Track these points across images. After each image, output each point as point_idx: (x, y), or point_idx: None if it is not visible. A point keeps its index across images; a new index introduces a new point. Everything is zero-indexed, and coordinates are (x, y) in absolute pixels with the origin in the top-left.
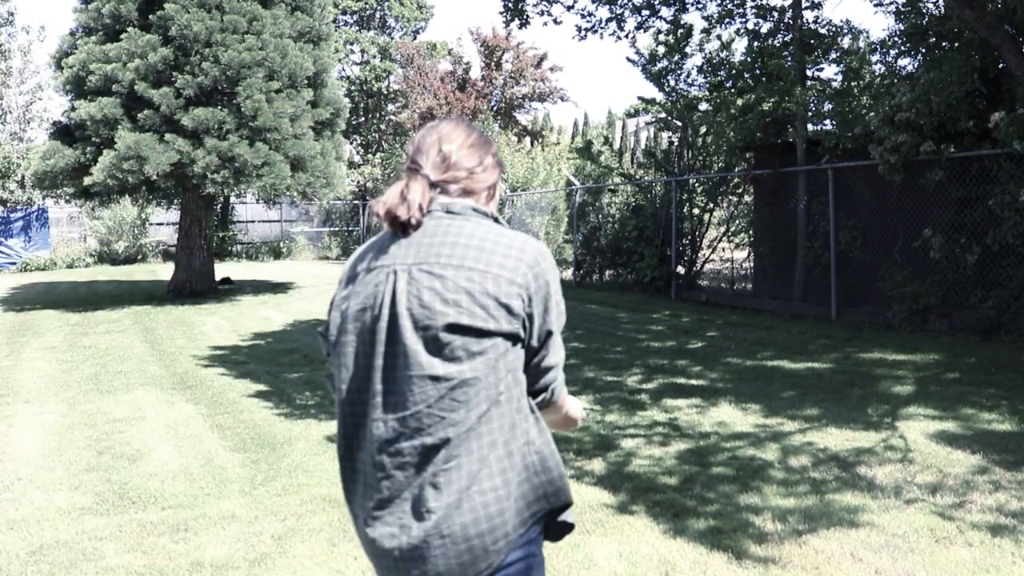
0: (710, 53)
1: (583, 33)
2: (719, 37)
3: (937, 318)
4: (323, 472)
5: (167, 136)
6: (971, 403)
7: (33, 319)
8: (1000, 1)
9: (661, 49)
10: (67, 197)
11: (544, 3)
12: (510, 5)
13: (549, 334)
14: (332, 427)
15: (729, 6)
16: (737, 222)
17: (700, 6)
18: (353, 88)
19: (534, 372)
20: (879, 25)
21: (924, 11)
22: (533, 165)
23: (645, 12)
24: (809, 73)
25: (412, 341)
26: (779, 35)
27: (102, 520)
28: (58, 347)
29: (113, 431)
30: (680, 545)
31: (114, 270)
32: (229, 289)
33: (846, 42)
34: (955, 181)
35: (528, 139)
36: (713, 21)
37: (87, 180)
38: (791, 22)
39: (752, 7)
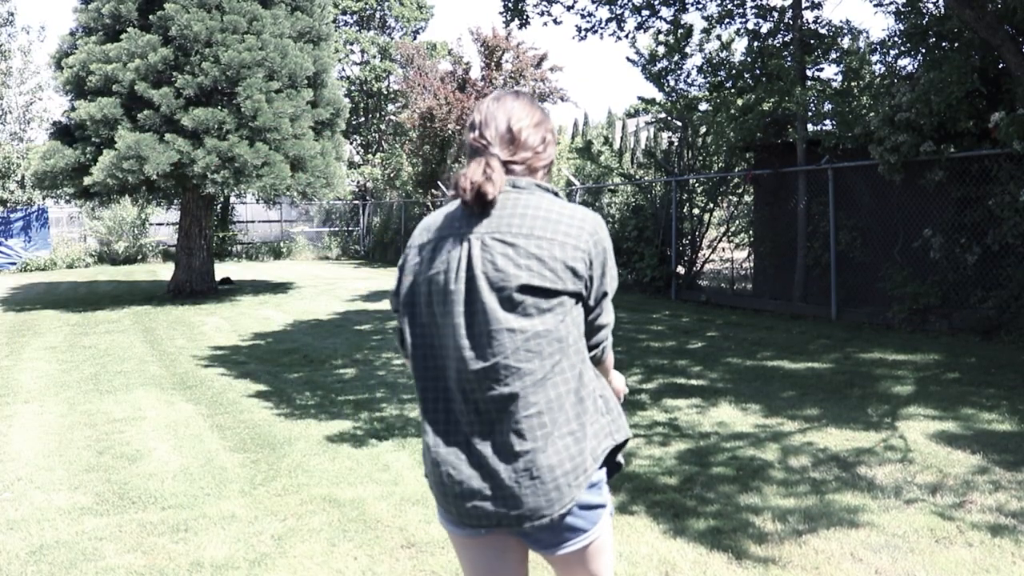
0: (710, 53)
1: (583, 33)
2: (719, 37)
3: (937, 318)
4: (323, 472)
5: (167, 136)
6: (971, 403)
7: (33, 319)
8: (1000, 1)
9: (661, 49)
10: (67, 197)
11: (544, 3)
12: (510, 5)
13: (604, 295)
14: (332, 427)
15: (729, 6)
16: (737, 222)
17: (700, 6)
18: (353, 88)
19: (589, 329)
20: (879, 25)
21: (924, 11)
22: None
23: (645, 12)
24: (809, 73)
25: (489, 300)
26: (779, 35)
27: (102, 520)
28: (58, 347)
29: (113, 431)
30: (680, 545)
31: (114, 270)
32: (229, 289)
33: (846, 42)
34: (955, 181)
35: None
36: (713, 21)
37: (87, 180)
38: (791, 22)
39: (752, 7)
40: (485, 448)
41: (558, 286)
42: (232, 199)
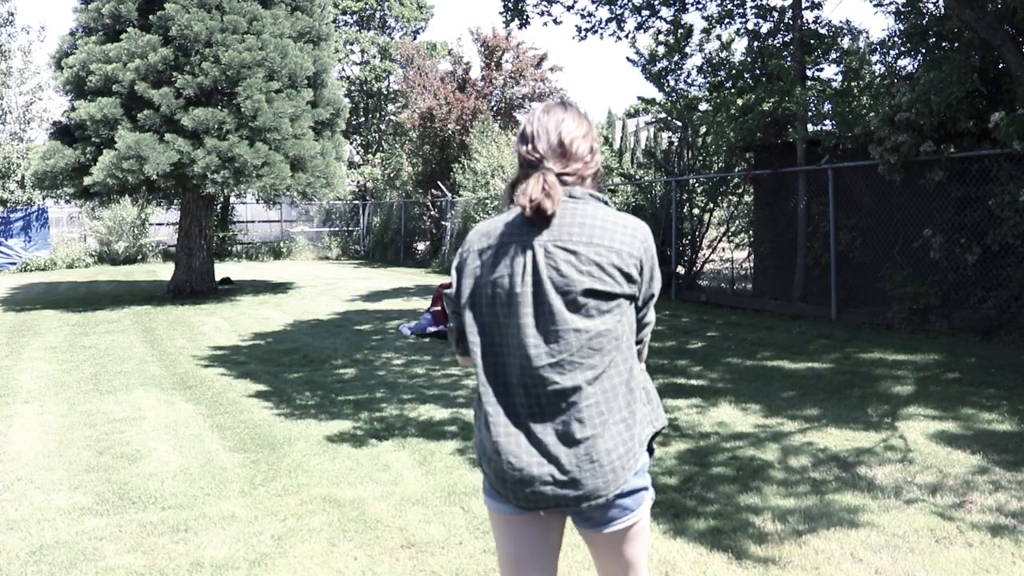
0: (710, 53)
1: (583, 33)
2: (719, 37)
3: (937, 318)
4: (323, 472)
5: (167, 136)
6: (971, 403)
7: (33, 319)
8: (1000, 1)
9: (661, 49)
10: (67, 197)
11: (544, 3)
12: (510, 5)
13: (652, 296)
14: (332, 427)
15: (729, 6)
16: (737, 222)
17: (700, 6)
18: (353, 88)
19: (636, 326)
20: (879, 25)
21: (924, 11)
22: None
23: (645, 12)
24: (809, 73)
25: (556, 303)
26: (779, 35)
27: (102, 520)
28: (58, 347)
29: (113, 431)
30: (680, 545)
31: (114, 270)
32: (229, 289)
33: (846, 42)
34: (955, 181)
35: None
36: (713, 21)
37: (87, 180)
38: (791, 22)
39: (752, 7)
40: (547, 437)
41: (616, 289)
42: (232, 199)
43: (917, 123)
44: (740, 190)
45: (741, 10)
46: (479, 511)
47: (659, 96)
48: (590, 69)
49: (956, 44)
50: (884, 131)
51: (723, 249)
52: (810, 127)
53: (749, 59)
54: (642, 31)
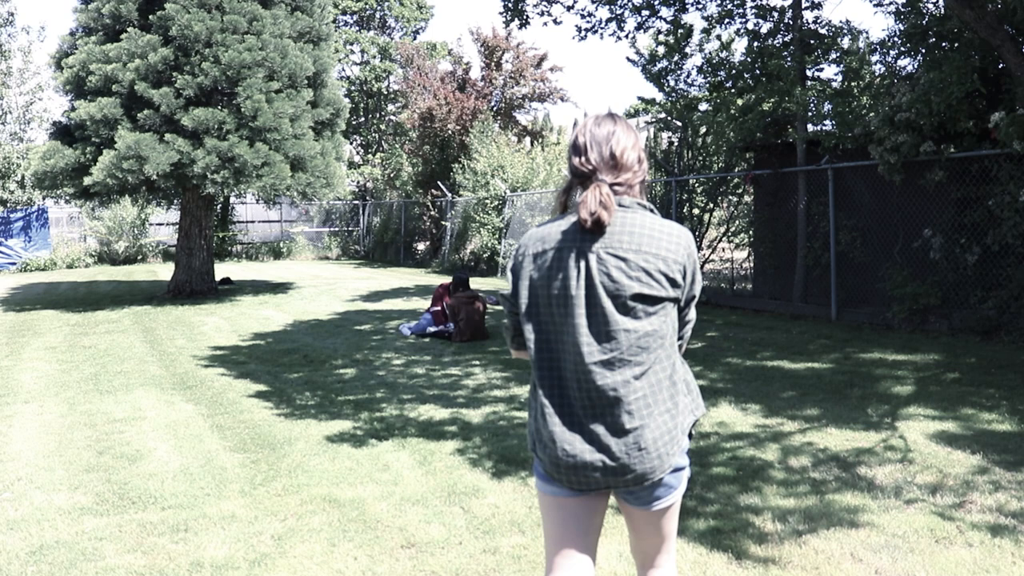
0: (710, 53)
1: (583, 33)
2: (719, 37)
3: (937, 318)
4: (323, 472)
5: (167, 136)
6: (971, 403)
7: (33, 319)
8: (1000, 1)
9: (661, 49)
10: (67, 197)
11: (544, 3)
12: (510, 5)
13: (693, 297)
14: (332, 427)
15: (729, 6)
16: (737, 222)
17: (700, 6)
18: (353, 88)
19: (679, 323)
20: (879, 25)
21: (924, 11)
22: (533, 165)
23: (645, 12)
24: (809, 73)
25: (607, 305)
26: (779, 35)
27: (102, 520)
28: (58, 347)
29: (113, 431)
30: (680, 545)
31: (114, 270)
32: (229, 289)
33: (846, 42)
34: (955, 181)
35: (528, 139)
36: (713, 21)
37: (87, 180)
38: (791, 22)
39: (752, 7)
40: (598, 427)
41: (662, 293)
42: (232, 199)
43: (917, 123)
44: (740, 190)
45: (741, 10)
46: (479, 511)
47: (659, 96)
48: (590, 69)
49: (956, 44)
50: (884, 131)
51: (723, 249)
52: (810, 127)
53: (749, 59)
54: (642, 31)
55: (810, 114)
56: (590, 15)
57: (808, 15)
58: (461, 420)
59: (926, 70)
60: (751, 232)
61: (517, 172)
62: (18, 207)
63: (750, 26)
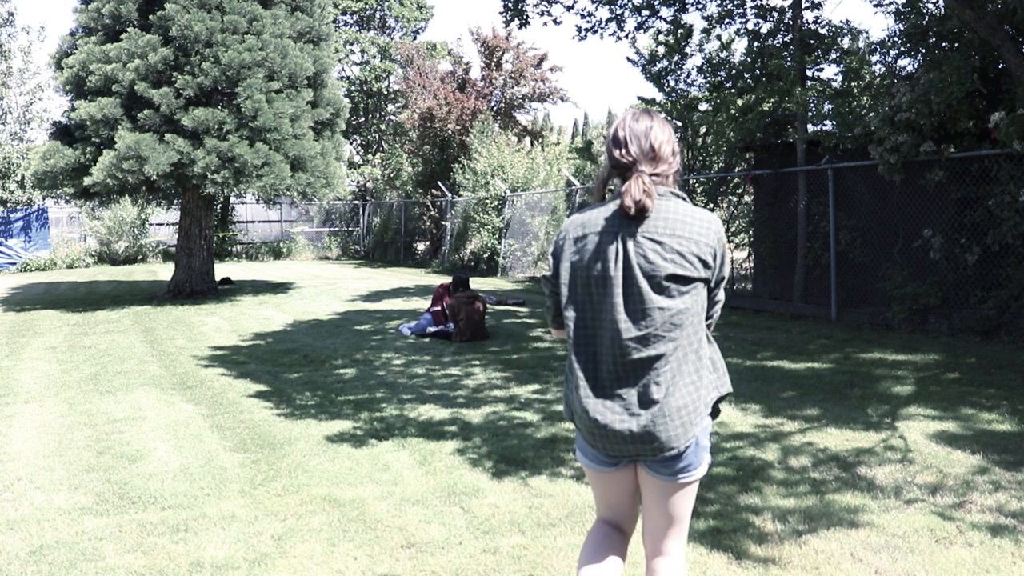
0: (710, 53)
1: (583, 33)
2: (719, 37)
3: (937, 318)
4: (323, 472)
5: (167, 136)
6: (971, 403)
7: (33, 319)
8: (1000, 1)
9: (661, 49)
10: (67, 197)
11: (544, 3)
12: (510, 5)
13: (722, 278)
14: (332, 427)
15: (729, 6)
16: (737, 222)
17: (700, 6)
18: (353, 88)
19: (708, 303)
20: (879, 25)
21: (924, 11)
22: (533, 165)
23: (645, 12)
24: (809, 73)
25: (643, 285)
26: (779, 35)
27: (102, 520)
28: (58, 347)
29: (113, 431)
30: None
31: (114, 270)
32: (229, 289)
33: (846, 42)
34: (955, 181)
35: (528, 139)
36: (713, 21)
37: (87, 180)
38: (791, 22)
39: (752, 7)
40: (630, 397)
41: (694, 274)
42: (232, 199)
43: (917, 123)
44: (740, 190)
45: (741, 10)
46: (479, 511)
47: (659, 96)
48: (590, 69)
49: (956, 44)
50: (884, 131)
51: None
52: (810, 127)
53: (749, 59)
54: (642, 31)
55: (810, 114)
56: (590, 15)
57: (808, 15)
58: (461, 420)
59: (926, 70)
60: (751, 232)
61: (517, 172)
62: (18, 207)
63: (750, 26)
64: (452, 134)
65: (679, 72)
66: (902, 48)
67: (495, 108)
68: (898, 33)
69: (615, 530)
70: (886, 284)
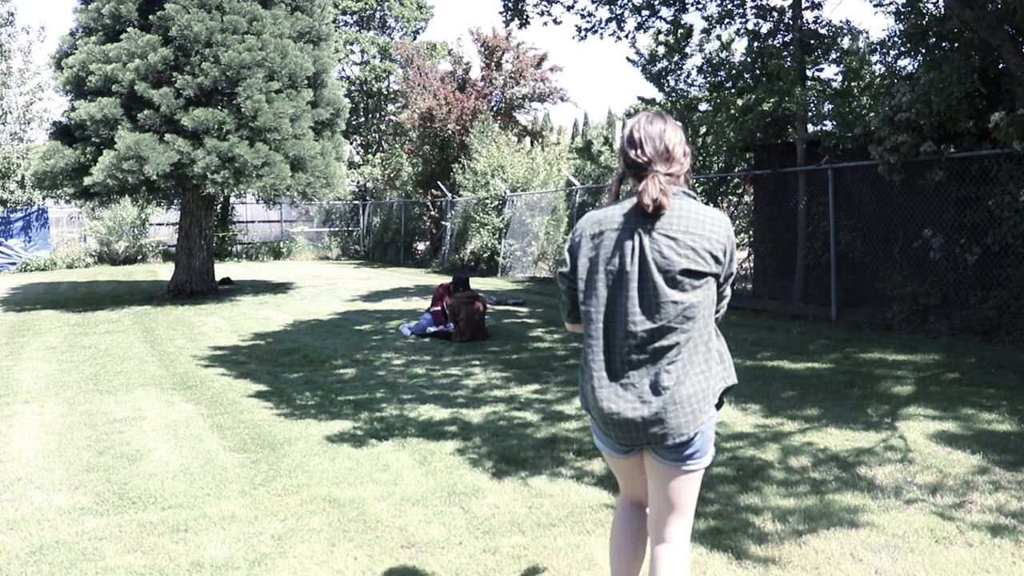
0: (710, 53)
1: (583, 33)
2: (719, 37)
3: (937, 318)
4: (323, 472)
5: (167, 136)
6: (971, 403)
7: (33, 319)
8: (1000, 1)
9: (661, 49)
10: (67, 197)
11: (544, 3)
12: (510, 5)
13: (731, 274)
14: (332, 427)
15: (729, 6)
16: (737, 222)
17: (700, 6)
18: (353, 88)
19: (718, 297)
20: (879, 25)
21: (924, 11)
22: (533, 165)
23: (645, 12)
24: (809, 73)
25: (658, 279)
26: (779, 35)
27: (102, 520)
28: (58, 347)
29: (113, 431)
30: None
31: (114, 270)
32: (229, 289)
33: (846, 42)
34: (955, 181)
35: (528, 139)
36: (713, 21)
37: (87, 180)
38: (791, 22)
39: (752, 7)
40: (642, 386)
41: (706, 269)
42: (232, 199)
43: (917, 123)
44: (740, 190)
45: (741, 10)
46: (479, 511)
47: (659, 96)
48: (590, 69)
49: (956, 44)
50: (884, 131)
51: None
52: (810, 127)
53: (749, 59)
54: (642, 31)
55: (810, 114)
56: (590, 15)
57: (808, 15)
58: (461, 420)
59: (926, 70)
60: (751, 232)
61: (517, 172)
62: (18, 207)
63: (750, 26)
64: (452, 134)
65: (679, 72)
66: (902, 48)
67: (495, 108)
68: (898, 33)
69: (637, 508)
70: (886, 284)
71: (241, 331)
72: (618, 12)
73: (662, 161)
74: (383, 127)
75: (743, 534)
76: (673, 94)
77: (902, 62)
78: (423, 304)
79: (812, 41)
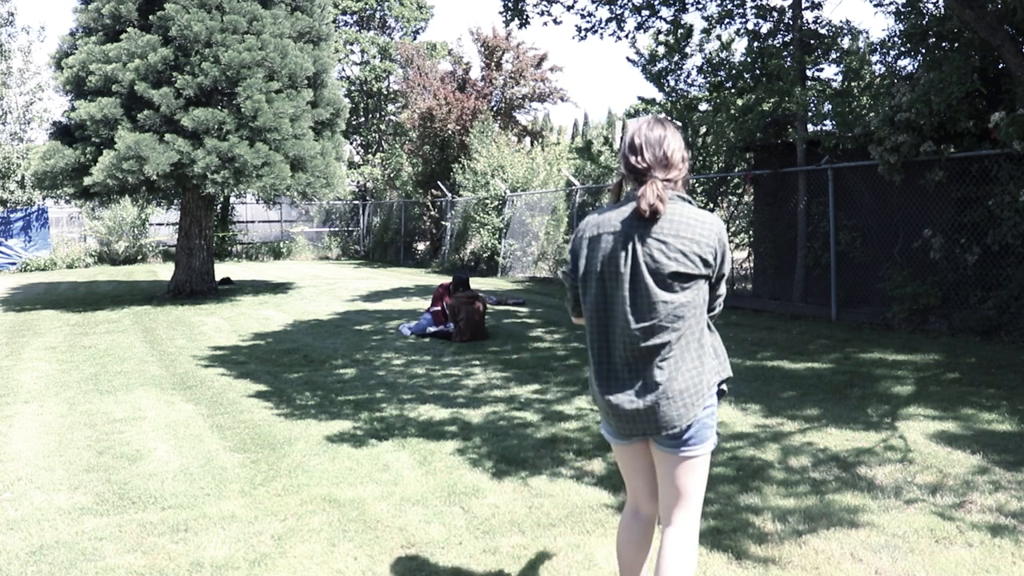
0: (710, 53)
1: (583, 33)
2: (719, 37)
3: (937, 318)
4: (323, 472)
5: (167, 136)
6: (971, 403)
7: (33, 319)
8: (1000, 1)
9: (661, 49)
10: (67, 197)
11: (544, 3)
12: (510, 5)
13: (723, 275)
14: (332, 427)
15: (729, 6)
16: (737, 222)
17: (700, 6)
18: (353, 88)
19: (711, 297)
20: (879, 25)
21: (924, 11)
22: (533, 165)
23: (645, 12)
24: (809, 73)
25: (649, 280)
26: (779, 35)
27: (102, 520)
28: (58, 347)
29: (113, 431)
30: None
31: (114, 270)
32: (229, 289)
33: (846, 42)
34: (955, 181)
35: (528, 139)
36: (713, 21)
37: (87, 180)
38: (791, 22)
39: (752, 7)
40: (637, 382)
41: (695, 272)
42: (232, 199)
43: (917, 123)
44: (740, 190)
45: (741, 10)
46: (479, 511)
47: (659, 96)
48: (590, 69)
49: (956, 44)
50: (884, 131)
51: None
52: (810, 127)
53: (749, 59)
54: (642, 31)
55: (810, 114)
56: (590, 15)
57: (808, 15)
58: (461, 420)
59: (926, 70)
60: (751, 232)
61: (517, 172)
62: (18, 207)
63: (750, 26)
64: (452, 134)
65: (679, 72)
66: (902, 48)
67: (495, 108)
68: (898, 33)
69: (639, 512)
70: (886, 284)
71: (241, 331)
72: (618, 12)
73: (661, 168)
74: (383, 127)
75: (743, 534)
76: (673, 94)
77: (902, 62)
78: (423, 304)
79: (812, 41)
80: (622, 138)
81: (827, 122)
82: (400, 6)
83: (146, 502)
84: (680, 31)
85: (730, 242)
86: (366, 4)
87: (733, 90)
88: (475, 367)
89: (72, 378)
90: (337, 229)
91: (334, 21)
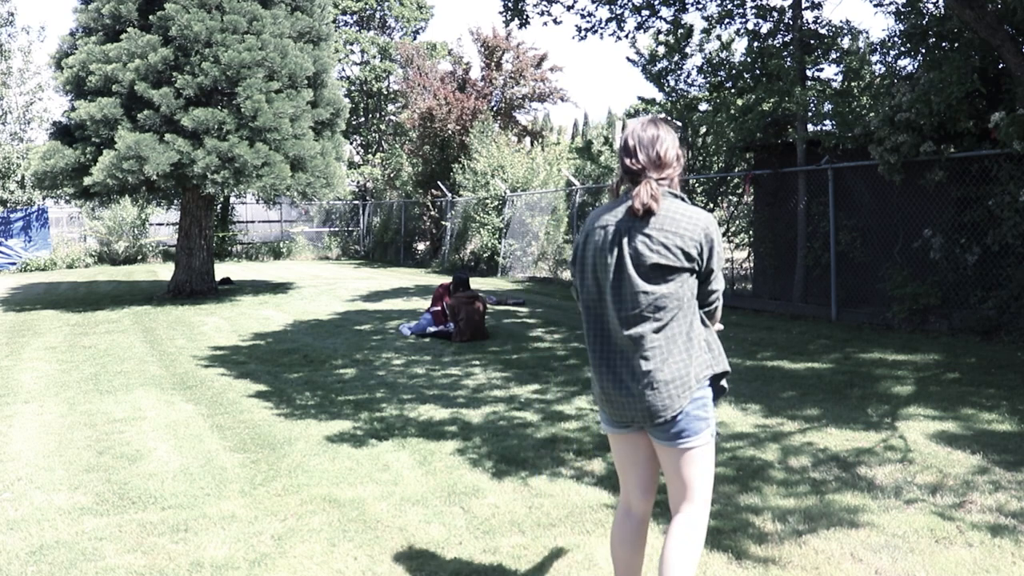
0: (710, 53)
1: (583, 33)
2: (719, 37)
3: (937, 318)
4: (323, 472)
5: (167, 136)
6: (971, 403)
7: (33, 319)
8: (1000, 1)
9: (661, 49)
10: (67, 197)
11: (544, 3)
12: (510, 5)
13: (711, 271)
14: (332, 427)
15: (729, 6)
16: (737, 222)
17: (700, 6)
18: (353, 88)
19: (703, 292)
20: (879, 25)
21: (924, 11)
22: (533, 165)
23: (645, 12)
24: (809, 73)
25: (632, 272)
26: (779, 35)
27: (102, 520)
28: (58, 347)
29: (113, 431)
30: None
31: (114, 270)
32: (229, 289)
33: (846, 42)
34: (955, 181)
35: (528, 139)
36: (713, 21)
37: (87, 180)
38: (791, 22)
39: (752, 7)
40: (624, 370)
41: (677, 264)
42: (232, 199)
43: (917, 123)
44: (740, 190)
45: (741, 10)
46: (479, 511)
47: (659, 96)
48: (590, 69)
49: (956, 44)
50: (884, 131)
51: (723, 249)
52: (810, 127)
53: (749, 59)
54: (642, 31)
55: (810, 114)
56: (590, 15)
57: (808, 15)
58: (461, 420)
59: (926, 70)
60: (751, 232)
61: (517, 172)
62: (18, 207)
63: (750, 26)
64: (452, 134)
65: (679, 72)
66: (902, 48)
67: (495, 108)
68: (898, 33)
69: (631, 511)
70: (886, 284)
71: (241, 331)
72: (618, 12)
73: (654, 168)
74: (383, 127)
75: (743, 534)
76: (673, 94)
77: (902, 62)
78: (423, 304)
79: (812, 41)
80: (620, 138)
81: (827, 122)
82: (400, 6)
83: (146, 502)
84: (680, 31)
85: (730, 242)
86: (366, 4)
87: (733, 90)
88: (475, 367)
89: (72, 378)
90: (337, 229)
91: (334, 21)
